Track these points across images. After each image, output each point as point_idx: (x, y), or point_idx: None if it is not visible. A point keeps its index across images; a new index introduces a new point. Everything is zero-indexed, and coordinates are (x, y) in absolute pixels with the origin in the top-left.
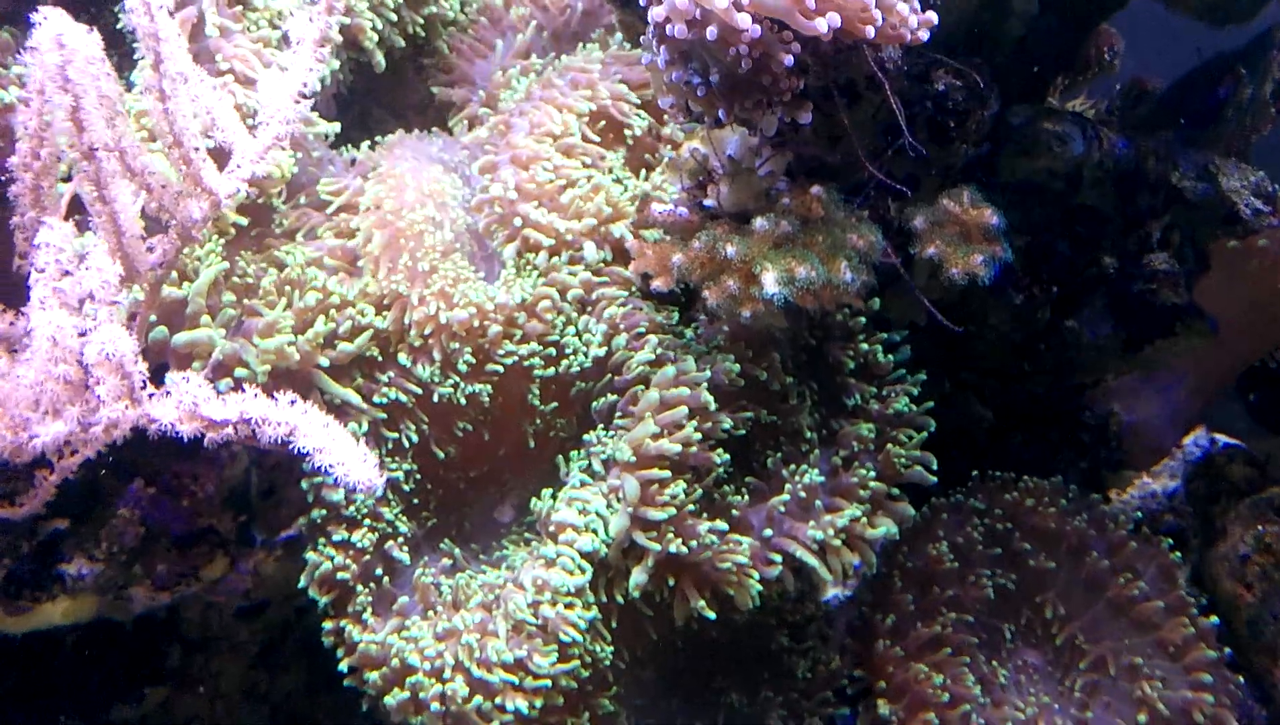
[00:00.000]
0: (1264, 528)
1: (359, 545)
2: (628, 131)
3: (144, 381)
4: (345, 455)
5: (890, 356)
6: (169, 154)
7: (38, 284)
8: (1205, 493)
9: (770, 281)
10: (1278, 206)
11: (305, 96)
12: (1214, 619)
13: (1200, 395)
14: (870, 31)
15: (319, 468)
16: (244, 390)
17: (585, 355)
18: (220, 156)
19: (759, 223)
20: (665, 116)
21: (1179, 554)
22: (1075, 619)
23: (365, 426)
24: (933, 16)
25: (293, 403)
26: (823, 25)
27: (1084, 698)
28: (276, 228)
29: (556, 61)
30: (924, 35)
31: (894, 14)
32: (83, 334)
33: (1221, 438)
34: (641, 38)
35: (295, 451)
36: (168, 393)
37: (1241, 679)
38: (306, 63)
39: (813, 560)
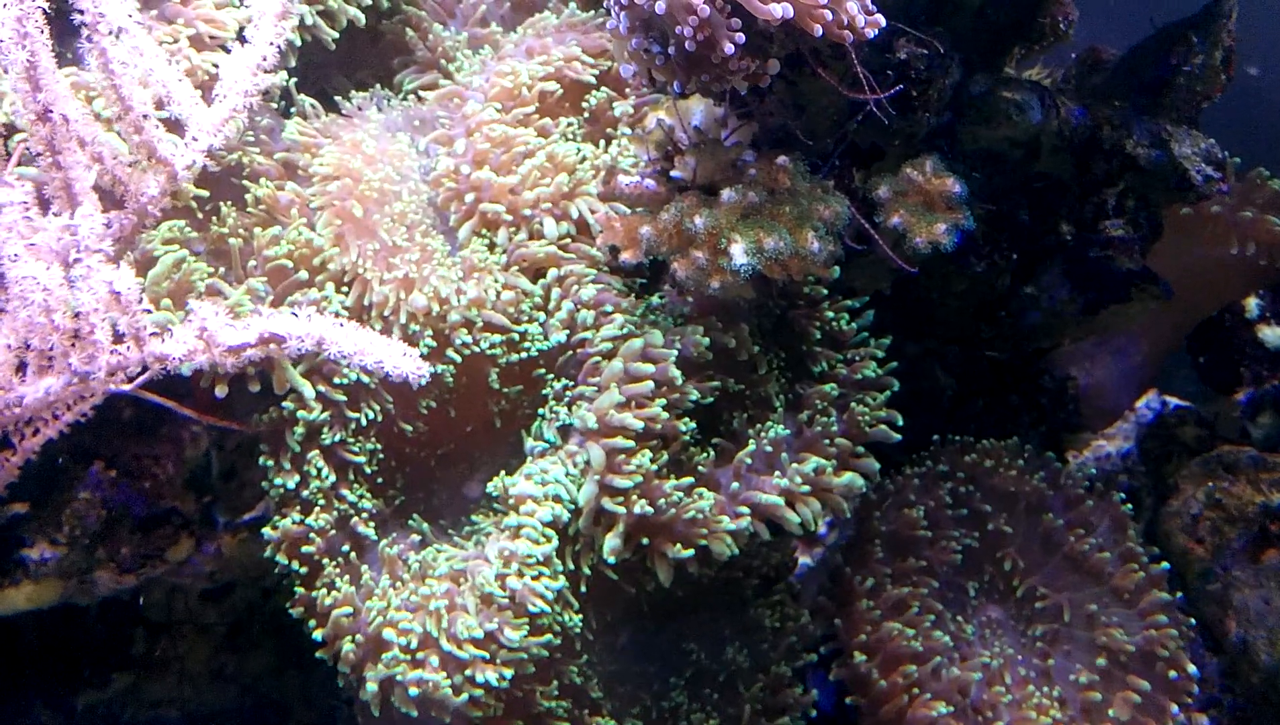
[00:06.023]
0: (1214, 484)
1: (320, 524)
2: (585, 103)
3: (146, 323)
4: (385, 352)
5: (854, 323)
6: (118, 125)
7: (6, 242)
8: (1158, 453)
9: (739, 253)
10: (1227, 173)
11: (265, 71)
12: (1164, 564)
13: (1153, 358)
14: (818, 31)
15: (364, 367)
16: (259, 312)
17: (548, 338)
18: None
19: (726, 194)
20: (626, 88)
21: (1130, 506)
22: (1034, 574)
23: (323, 413)
24: (880, 19)
25: (310, 317)
26: (777, 10)
27: (1045, 647)
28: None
29: (511, 33)
30: (870, 34)
31: (844, 11)
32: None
33: (1172, 400)
34: (604, 3)
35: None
36: (183, 323)
37: (1193, 621)
38: (267, 36)
39: (779, 501)
